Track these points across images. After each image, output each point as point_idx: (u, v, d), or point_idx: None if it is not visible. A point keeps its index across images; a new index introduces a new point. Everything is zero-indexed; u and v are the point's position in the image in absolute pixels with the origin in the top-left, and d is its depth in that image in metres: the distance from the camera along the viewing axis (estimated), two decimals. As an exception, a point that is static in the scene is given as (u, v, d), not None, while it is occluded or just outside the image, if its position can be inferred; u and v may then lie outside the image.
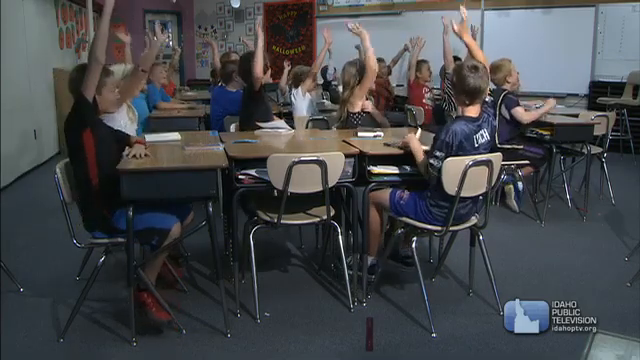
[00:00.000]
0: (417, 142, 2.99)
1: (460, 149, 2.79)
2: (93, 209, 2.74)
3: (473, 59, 3.07)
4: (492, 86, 4.69)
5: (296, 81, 5.13)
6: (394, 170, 3.07)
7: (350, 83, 3.76)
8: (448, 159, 2.76)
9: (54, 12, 7.59)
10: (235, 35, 11.40)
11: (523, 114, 4.57)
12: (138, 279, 2.80)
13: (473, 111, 2.87)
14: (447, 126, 2.84)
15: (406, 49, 7.54)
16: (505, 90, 4.58)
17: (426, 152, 2.91)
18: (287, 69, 6.05)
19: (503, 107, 4.54)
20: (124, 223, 2.67)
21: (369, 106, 3.83)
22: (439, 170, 2.79)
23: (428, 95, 6.51)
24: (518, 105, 4.57)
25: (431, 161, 2.82)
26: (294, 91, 5.11)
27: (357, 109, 3.80)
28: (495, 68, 4.63)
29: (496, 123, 2.98)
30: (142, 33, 10.76)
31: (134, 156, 2.78)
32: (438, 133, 2.84)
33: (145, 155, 2.80)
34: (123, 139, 2.99)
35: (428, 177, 2.89)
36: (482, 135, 2.87)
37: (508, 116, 4.56)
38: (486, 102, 2.93)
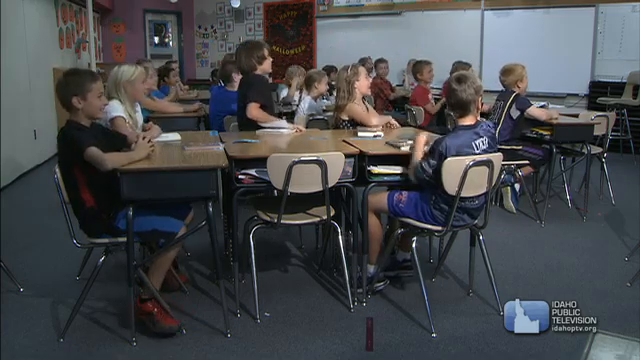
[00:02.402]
0: (422, 144, 2.98)
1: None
2: (93, 222, 2.73)
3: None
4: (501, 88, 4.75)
5: (308, 85, 5.07)
6: (394, 170, 3.07)
7: (342, 88, 3.76)
8: (448, 159, 2.76)
9: (54, 12, 7.59)
10: (235, 35, 11.41)
11: (541, 113, 4.60)
12: (140, 282, 2.80)
13: (468, 120, 2.90)
14: (443, 138, 2.85)
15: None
16: (514, 92, 4.60)
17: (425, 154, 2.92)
18: (298, 78, 5.89)
19: (514, 108, 4.55)
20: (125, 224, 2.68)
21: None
22: (429, 175, 2.82)
23: (432, 101, 6.43)
24: (531, 105, 4.60)
25: (423, 164, 2.85)
26: (304, 95, 5.08)
27: (346, 117, 3.81)
28: (507, 71, 4.65)
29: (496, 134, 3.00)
30: (142, 33, 10.86)
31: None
32: (437, 142, 2.85)
33: (151, 147, 2.81)
34: (121, 142, 2.95)
35: (414, 179, 2.89)
36: (483, 142, 2.87)
37: (516, 116, 4.57)
38: (488, 125, 2.94)
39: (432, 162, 2.82)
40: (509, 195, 4.84)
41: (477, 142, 2.85)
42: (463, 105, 2.85)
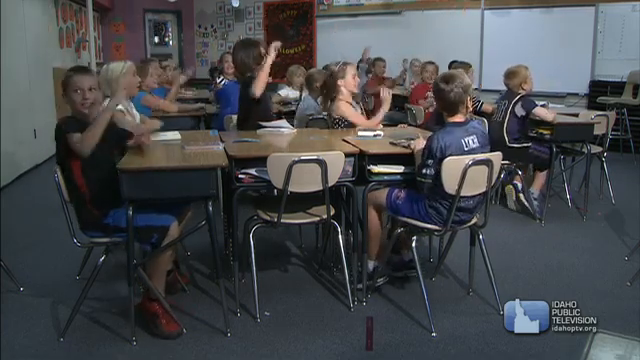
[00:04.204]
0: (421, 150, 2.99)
1: (448, 154, 2.79)
2: (84, 209, 2.74)
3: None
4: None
5: (309, 84, 5.06)
6: (394, 169, 3.07)
7: (326, 84, 3.83)
8: (447, 158, 2.75)
9: (54, 12, 7.59)
10: (235, 34, 11.40)
11: (547, 114, 4.59)
12: (142, 282, 2.80)
13: (458, 118, 2.91)
14: (433, 135, 2.86)
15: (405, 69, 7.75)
16: (520, 94, 4.60)
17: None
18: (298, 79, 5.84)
19: (519, 106, 4.56)
20: (117, 221, 2.68)
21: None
22: (432, 177, 2.82)
23: (429, 100, 6.47)
24: (537, 105, 4.60)
25: (423, 171, 2.84)
26: (304, 95, 5.07)
27: (337, 115, 3.82)
28: (511, 74, 4.66)
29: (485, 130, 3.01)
30: (142, 32, 10.86)
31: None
32: (430, 140, 2.86)
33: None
34: (123, 137, 2.94)
35: (421, 186, 2.88)
36: (473, 140, 2.87)
37: (520, 115, 4.57)
38: (478, 122, 2.96)
39: (429, 162, 2.82)
40: (512, 195, 4.83)
41: (466, 140, 2.85)
42: (452, 105, 2.87)
